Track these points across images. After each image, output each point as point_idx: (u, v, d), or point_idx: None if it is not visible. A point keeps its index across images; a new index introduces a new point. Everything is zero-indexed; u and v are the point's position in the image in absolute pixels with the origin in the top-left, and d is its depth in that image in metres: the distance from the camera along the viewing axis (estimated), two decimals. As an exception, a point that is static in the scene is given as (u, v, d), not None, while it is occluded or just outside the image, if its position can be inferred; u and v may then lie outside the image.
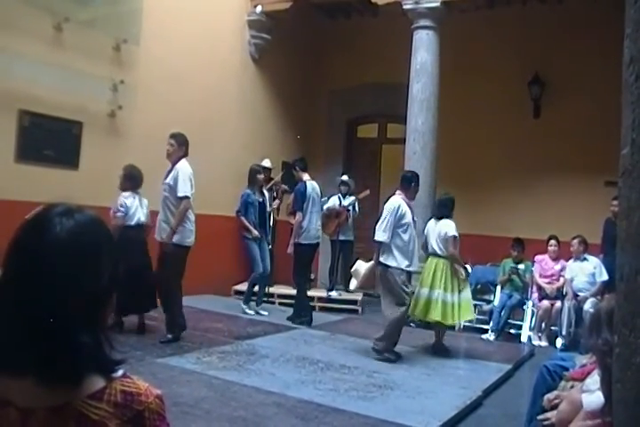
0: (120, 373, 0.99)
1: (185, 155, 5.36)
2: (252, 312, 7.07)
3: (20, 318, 0.92)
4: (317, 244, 6.92)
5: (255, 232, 7.00)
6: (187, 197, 5.20)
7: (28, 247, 0.96)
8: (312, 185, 6.77)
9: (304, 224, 6.63)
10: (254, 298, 7.24)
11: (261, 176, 7.28)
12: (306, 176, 6.83)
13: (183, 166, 5.26)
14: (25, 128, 5.89)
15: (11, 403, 0.93)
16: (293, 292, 7.93)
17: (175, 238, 5.19)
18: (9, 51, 5.64)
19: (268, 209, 7.87)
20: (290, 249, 6.75)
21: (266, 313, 7.12)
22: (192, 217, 5.35)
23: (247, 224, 6.99)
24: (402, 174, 5.81)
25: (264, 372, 4.65)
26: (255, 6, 8.65)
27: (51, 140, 6.11)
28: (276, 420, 3.65)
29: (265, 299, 7.74)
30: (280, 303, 7.90)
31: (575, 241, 6.90)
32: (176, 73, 7.46)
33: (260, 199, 7.28)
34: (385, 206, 5.45)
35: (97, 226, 1.03)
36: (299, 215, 6.63)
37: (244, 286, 7.39)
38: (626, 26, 1.30)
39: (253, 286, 7.17)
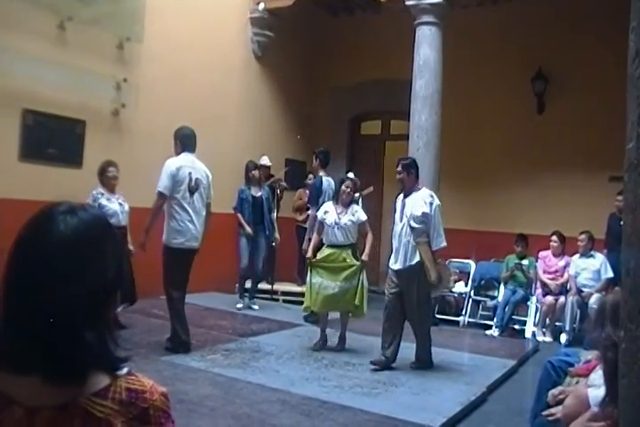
0: (125, 370, 0.99)
1: (185, 150, 5.06)
2: (241, 306, 7.12)
3: (24, 316, 0.92)
4: None
5: (248, 229, 6.99)
6: (159, 193, 4.89)
7: (32, 245, 0.96)
8: (328, 181, 6.62)
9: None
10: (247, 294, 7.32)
11: (255, 172, 7.24)
12: (322, 172, 6.65)
13: (167, 162, 4.99)
14: (28, 127, 5.90)
15: (16, 401, 0.93)
16: (297, 289, 7.94)
17: (163, 237, 4.94)
18: (12, 49, 5.64)
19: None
20: (305, 245, 6.38)
21: (256, 307, 7.18)
22: (180, 216, 4.92)
23: (241, 220, 7.00)
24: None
25: (268, 369, 4.66)
26: (257, 3, 8.63)
27: (54, 138, 6.11)
28: (281, 417, 3.66)
29: (269, 296, 7.77)
30: (284, 300, 7.89)
31: (584, 236, 6.86)
32: (179, 71, 7.46)
33: (257, 195, 7.22)
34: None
35: (101, 224, 1.03)
36: (313, 211, 6.44)
37: (247, 284, 7.40)
38: (631, 19, 1.29)
39: (242, 281, 7.26)
